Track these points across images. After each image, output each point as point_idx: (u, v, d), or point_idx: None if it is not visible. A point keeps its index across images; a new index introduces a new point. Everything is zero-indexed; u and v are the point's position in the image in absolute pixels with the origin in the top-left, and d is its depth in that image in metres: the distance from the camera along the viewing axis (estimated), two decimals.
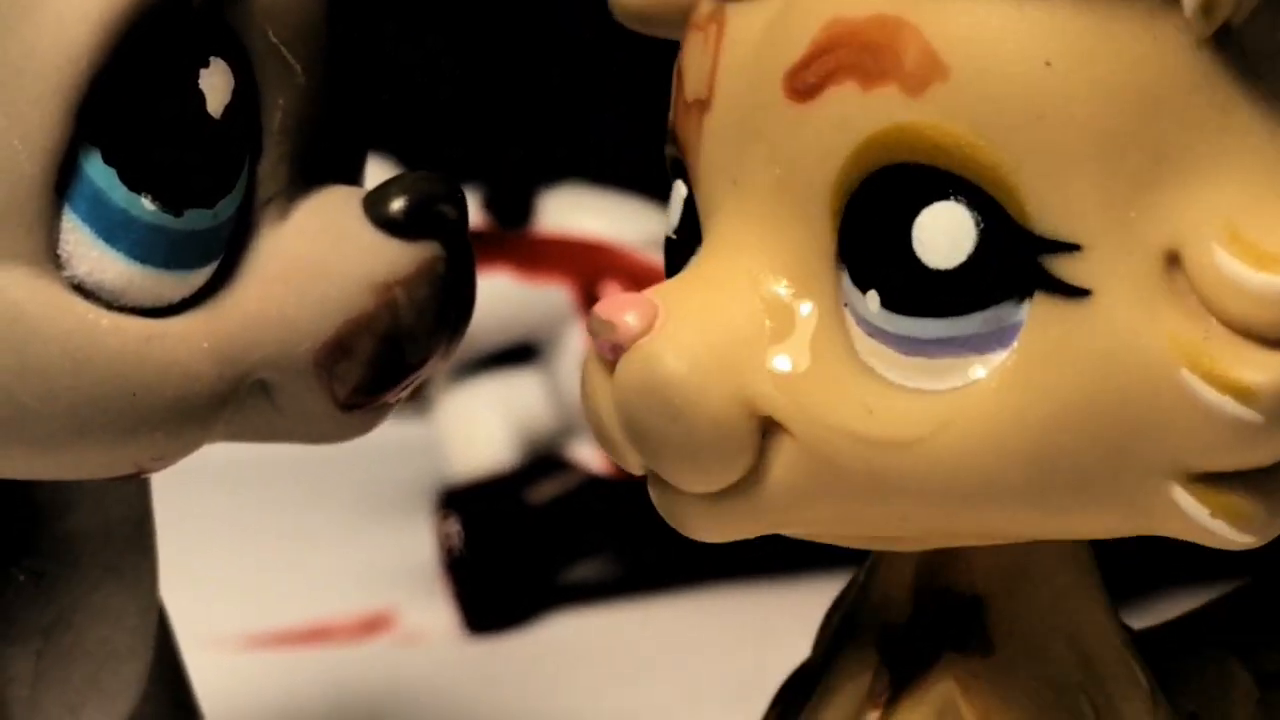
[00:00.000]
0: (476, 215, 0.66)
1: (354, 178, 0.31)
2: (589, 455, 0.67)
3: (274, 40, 0.28)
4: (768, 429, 0.25)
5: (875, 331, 0.25)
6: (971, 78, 0.24)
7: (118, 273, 0.27)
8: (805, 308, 0.25)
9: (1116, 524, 0.25)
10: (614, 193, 0.70)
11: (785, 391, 0.25)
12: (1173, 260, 0.24)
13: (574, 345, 0.67)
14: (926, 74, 0.24)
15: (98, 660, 0.31)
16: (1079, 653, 0.28)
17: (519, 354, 0.69)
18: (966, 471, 0.25)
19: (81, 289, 0.27)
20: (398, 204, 0.29)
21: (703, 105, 0.27)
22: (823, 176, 0.25)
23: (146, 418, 0.27)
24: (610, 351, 0.26)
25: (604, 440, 0.27)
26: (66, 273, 0.27)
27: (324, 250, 0.29)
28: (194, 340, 0.28)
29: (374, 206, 0.29)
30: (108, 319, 0.27)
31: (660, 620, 0.65)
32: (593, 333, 0.26)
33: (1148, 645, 0.30)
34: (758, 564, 0.69)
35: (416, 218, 0.29)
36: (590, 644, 0.63)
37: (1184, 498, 0.24)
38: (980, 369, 0.25)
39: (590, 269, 0.67)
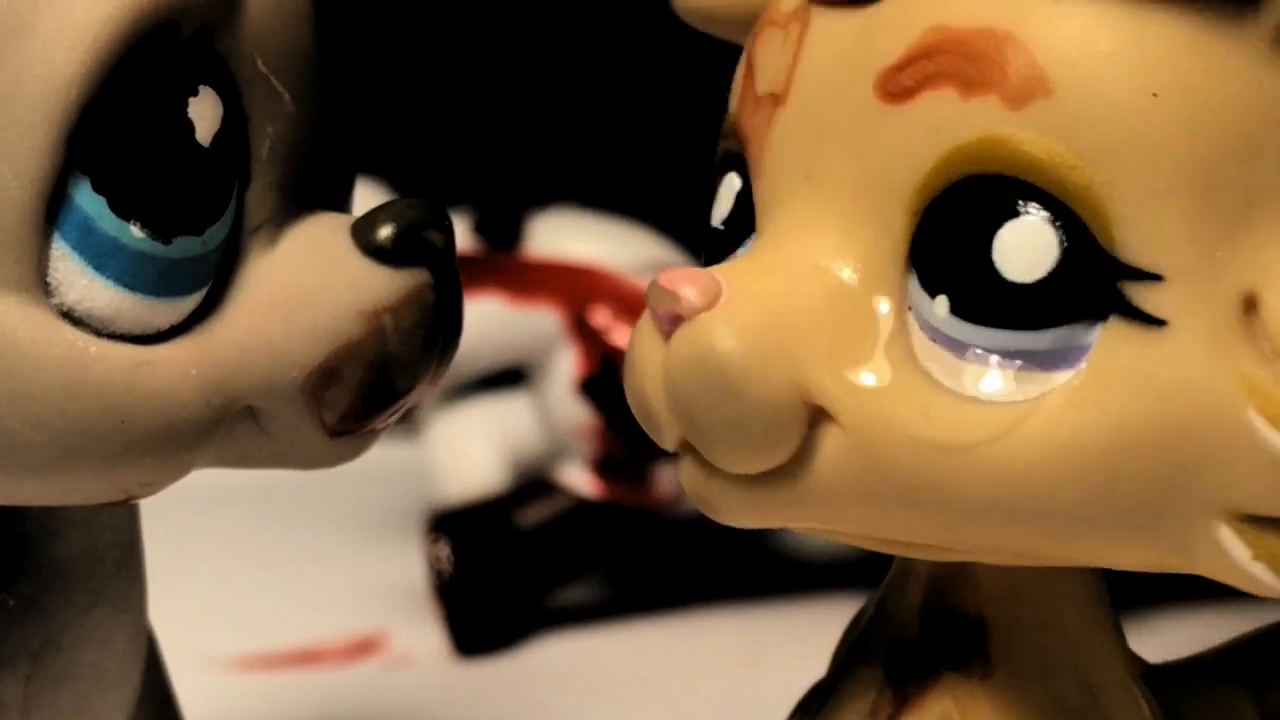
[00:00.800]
0: (466, 239, 0.66)
1: (342, 205, 0.31)
2: (578, 478, 0.67)
3: (262, 69, 0.29)
4: (816, 418, 0.25)
5: (939, 336, 0.25)
6: (1076, 98, 0.24)
7: (107, 300, 0.27)
8: (868, 305, 0.26)
9: (1153, 557, 0.25)
10: (604, 217, 0.70)
11: (840, 384, 0.25)
12: (1251, 303, 0.24)
13: (563, 369, 0.67)
14: (1030, 89, 0.24)
15: (87, 685, 0.31)
16: (1081, 679, 0.29)
17: (509, 377, 0.69)
18: (1016, 484, 0.25)
19: (70, 316, 0.27)
20: (385, 231, 0.29)
21: (776, 99, 0.27)
22: (905, 178, 0.25)
23: (135, 444, 0.27)
24: (668, 322, 0.26)
25: (643, 411, 0.27)
26: (55, 300, 0.27)
27: (312, 278, 0.29)
28: (182, 367, 0.28)
29: (362, 234, 0.29)
30: (97, 346, 0.27)
31: (649, 643, 0.65)
32: (653, 301, 0.26)
33: (1160, 679, 0.30)
34: (747, 587, 0.69)
35: (404, 245, 0.29)
36: (579, 667, 0.63)
37: (1229, 537, 0.25)
38: (1044, 385, 0.25)
39: (580, 293, 0.67)
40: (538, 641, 0.65)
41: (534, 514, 0.67)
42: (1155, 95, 0.24)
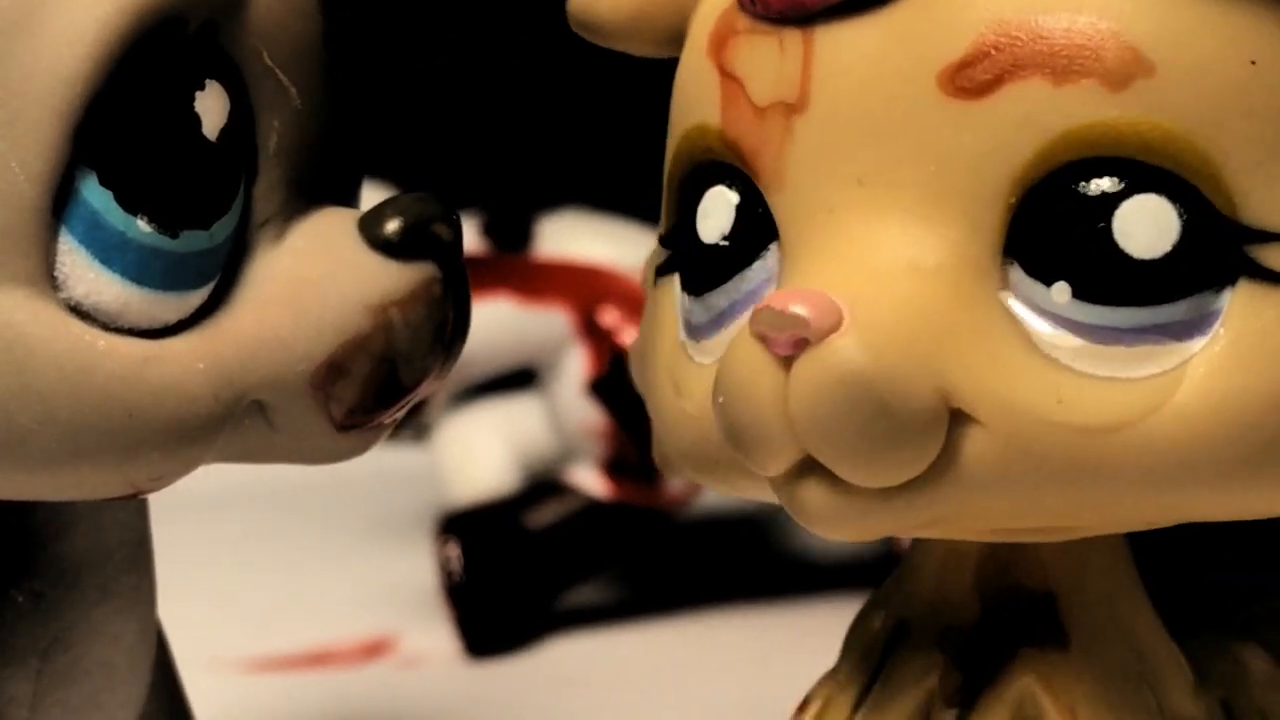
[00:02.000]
0: (476, 241, 0.66)
1: (350, 200, 0.31)
2: (588, 479, 0.67)
3: (269, 63, 0.29)
4: (955, 419, 0.25)
5: (1063, 322, 0.25)
6: (1178, 74, 0.25)
7: (114, 294, 0.27)
8: (979, 301, 0.26)
9: None
10: (613, 218, 0.70)
11: (978, 383, 0.25)
12: None
13: (573, 369, 0.67)
14: (1130, 70, 0.25)
15: (96, 681, 0.31)
16: (1135, 646, 0.29)
17: (518, 379, 0.69)
18: (1177, 456, 0.25)
19: (78, 310, 0.27)
20: (393, 225, 0.29)
21: (791, 108, 0.27)
22: (997, 171, 0.25)
23: (143, 438, 0.27)
24: (790, 347, 0.25)
25: (748, 437, 0.26)
26: (63, 294, 0.27)
27: (320, 272, 0.29)
28: (190, 361, 0.28)
29: (369, 228, 0.29)
30: (104, 340, 0.27)
31: (660, 644, 0.65)
32: (769, 327, 0.26)
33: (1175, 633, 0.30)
34: (757, 587, 0.69)
35: (411, 239, 0.29)
36: (590, 668, 0.63)
37: None
38: (1181, 355, 0.25)
39: (589, 294, 0.67)
40: (548, 642, 0.65)
41: (544, 515, 0.67)
42: (1254, 62, 0.25)
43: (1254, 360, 0.25)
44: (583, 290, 0.67)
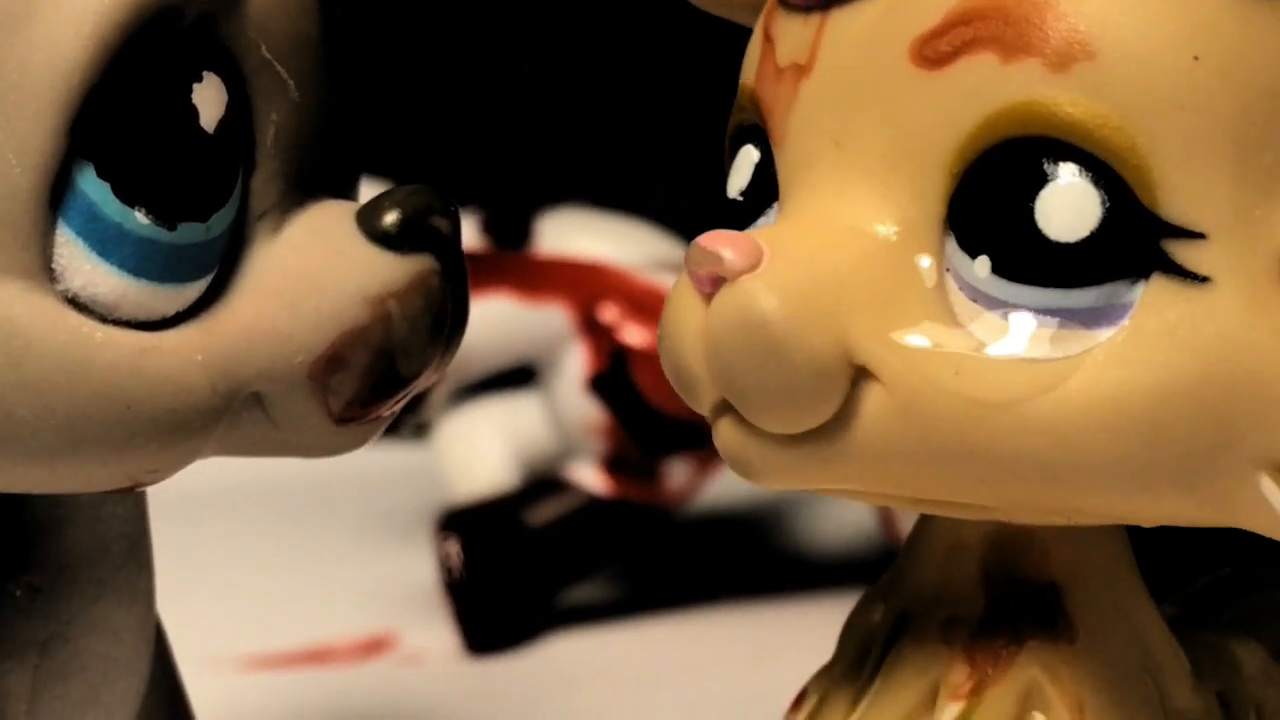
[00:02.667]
0: (475, 238, 0.66)
1: (348, 193, 0.31)
2: (588, 476, 0.67)
3: (267, 55, 0.29)
4: (859, 377, 0.26)
5: (980, 296, 0.26)
6: (1118, 61, 0.25)
7: (111, 286, 0.27)
8: (907, 265, 0.26)
9: (1193, 511, 0.26)
10: (612, 214, 0.70)
11: (883, 343, 0.26)
12: None
13: (573, 366, 0.67)
14: (1073, 52, 0.25)
15: (95, 675, 0.31)
16: (1138, 639, 0.29)
17: (518, 376, 0.69)
18: (1060, 440, 0.25)
19: (75, 302, 0.27)
20: (391, 217, 0.29)
21: (800, 70, 0.27)
22: (944, 142, 0.26)
23: (141, 431, 0.27)
24: (709, 284, 0.26)
25: (679, 372, 0.27)
26: (60, 286, 0.27)
27: (318, 264, 0.29)
28: (188, 354, 0.28)
29: (367, 220, 0.29)
30: (102, 332, 0.27)
31: (660, 641, 0.65)
32: (693, 262, 0.26)
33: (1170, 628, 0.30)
34: (758, 585, 0.69)
35: (410, 231, 0.29)
36: (590, 665, 0.63)
37: (1271, 489, 0.25)
38: (1087, 343, 0.25)
39: (589, 290, 0.67)
40: (548, 639, 0.65)
41: (544, 512, 0.67)
42: (1196, 58, 0.25)
43: (1151, 356, 0.25)
44: (582, 287, 0.67)
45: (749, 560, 0.73)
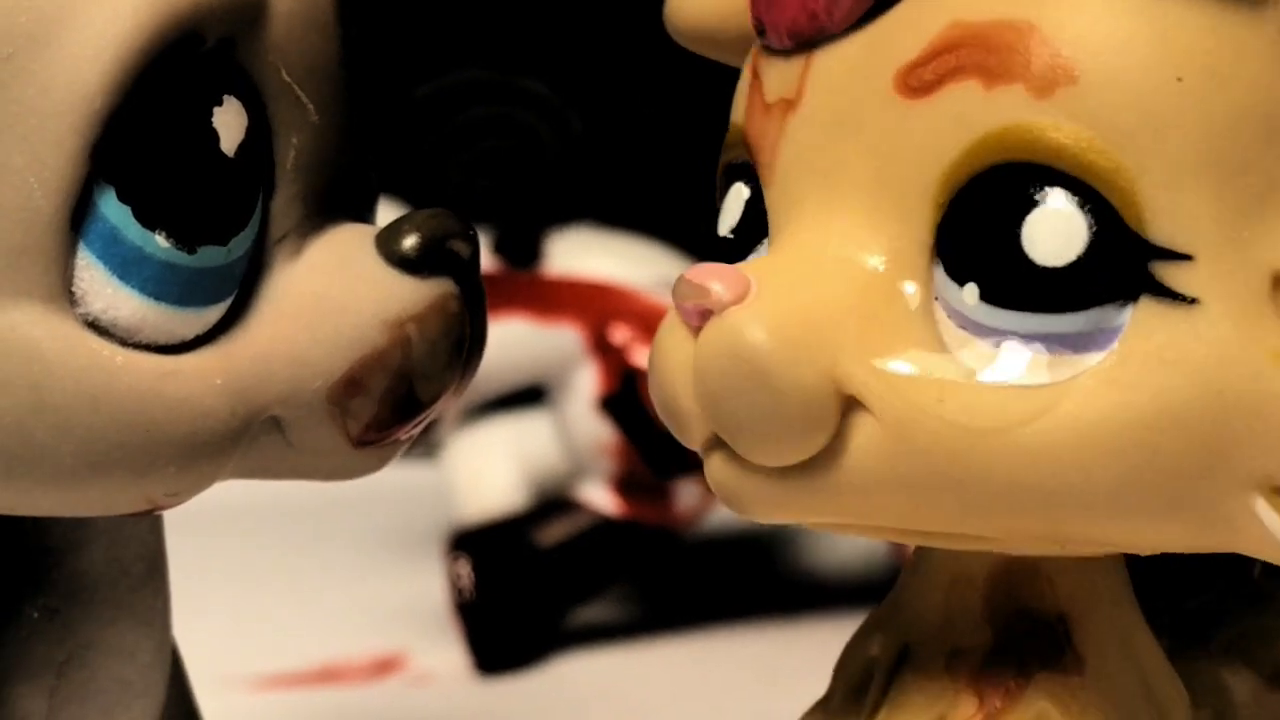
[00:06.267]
0: (486, 258, 0.66)
1: (366, 216, 0.31)
2: (599, 497, 0.67)
3: (287, 79, 0.29)
4: (849, 408, 0.26)
5: (968, 324, 0.26)
6: (1101, 84, 0.25)
7: (132, 310, 0.27)
8: (895, 295, 0.26)
9: (1190, 536, 0.26)
10: (623, 235, 0.71)
11: (872, 373, 0.26)
12: (1278, 281, 0.25)
13: (584, 387, 0.67)
14: (1055, 77, 0.25)
15: (112, 697, 0.31)
16: (1141, 669, 0.29)
17: (529, 396, 0.69)
18: (1052, 466, 0.25)
19: (96, 326, 0.27)
20: (410, 241, 0.29)
21: (788, 105, 0.27)
22: (930, 169, 0.26)
23: (160, 454, 0.27)
24: (696, 317, 0.26)
25: (669, 407, 0.27)
26: (81, 310, 0.27)
27: (337, 287, 0.29)
28: (208, 377, 0.28)
29: (387, 244, 0.30)
30: (122, 356, 0.27)
31: (669, 662, 0.65)
32: (680, 297, 0.26)
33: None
34: (767, 605, 0.69)
35: (429, 255, 0.29)
36: (600, 685, 0.63)
37: (1266, 511, 0.25)
38: (1076, 367, 0.25)
39: (600, 311, 0.67)
40: (558, 660, 0.65)
41: (554, 532, 0.67)
42: (1180, 80, 0.25)
43: (1142, 379, 0.25)
44: (594, 308, 0.67)
45: (758, 581, 0.73)
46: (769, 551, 0.75)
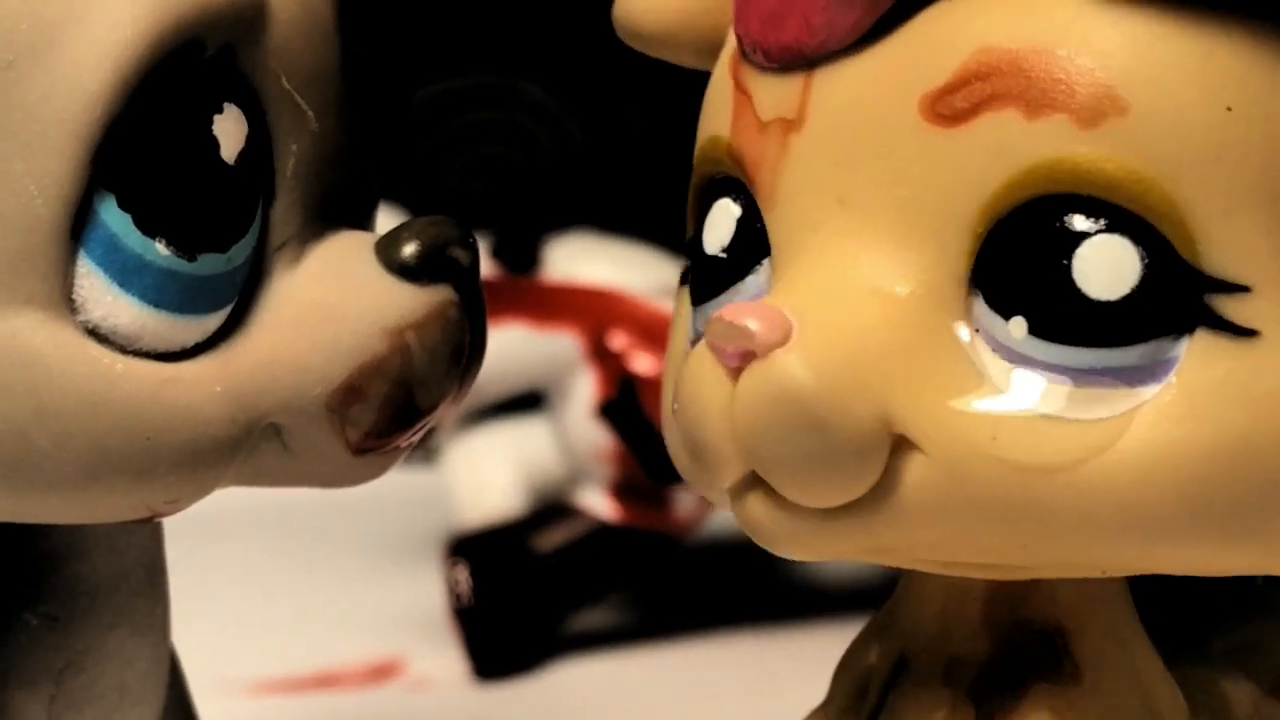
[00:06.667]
0: (485, 264, 0.66)
1: (366, 223, 0.31)
2: (597, 502, 0.67)
3: (287, 86, 0.29)
4: (898, 446, 0.25)
5: (1016, 357, 0.25)
6: (1151, 115, 0.24)
7: (132, 317, 0.27)
8: (936, 329, 0.26)
9: (1253, 561, 0.26)
10: (621, 240, 0.70)
11: (922, 411, 0.25)
12: None
13: (582, 393, 0.67)
14: (1103, 108, 0.25)
15: (111, 704, 0.31)
16: (1140, 681, 0.29)
17: (527, 402, 0.69)
18: (1115, 502, 0.25)
19: (96, 333, 0.27)
20: (410, 249, 0.29)
21: (789, 125, 0.27)
22: (967, 200, 0.25)
23: (160, 461, 0.27)
24: (738, 360, 0.25)
25: (700, 449, 0.27)
26: (81, 317, 0.27)
27: (337, 295, 0.29)
28: (207, 384, 0.28)
29: (386, 251, 0.30)
30: (122, 363, 0.27)
31: (668, 667, 0.65)
32: (718, 337, 0.26)
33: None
34: (766, 612, 0.69)
35: (429, 262, 0.29)
36: (598, 691, 0.63)
37: None
38: (1132, 401, 0.25)
39: (599, 317, 0.67)
40: (556, 665, 0.65)
41: (553, 538, 0.67)
42: (1229, 109, 0.24)
43: (1202, 412, 0.25)
44: (592, 313, 0.67)
45: (758, 587, 0.73)
46: (768, 558, 0.74)
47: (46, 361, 0.27)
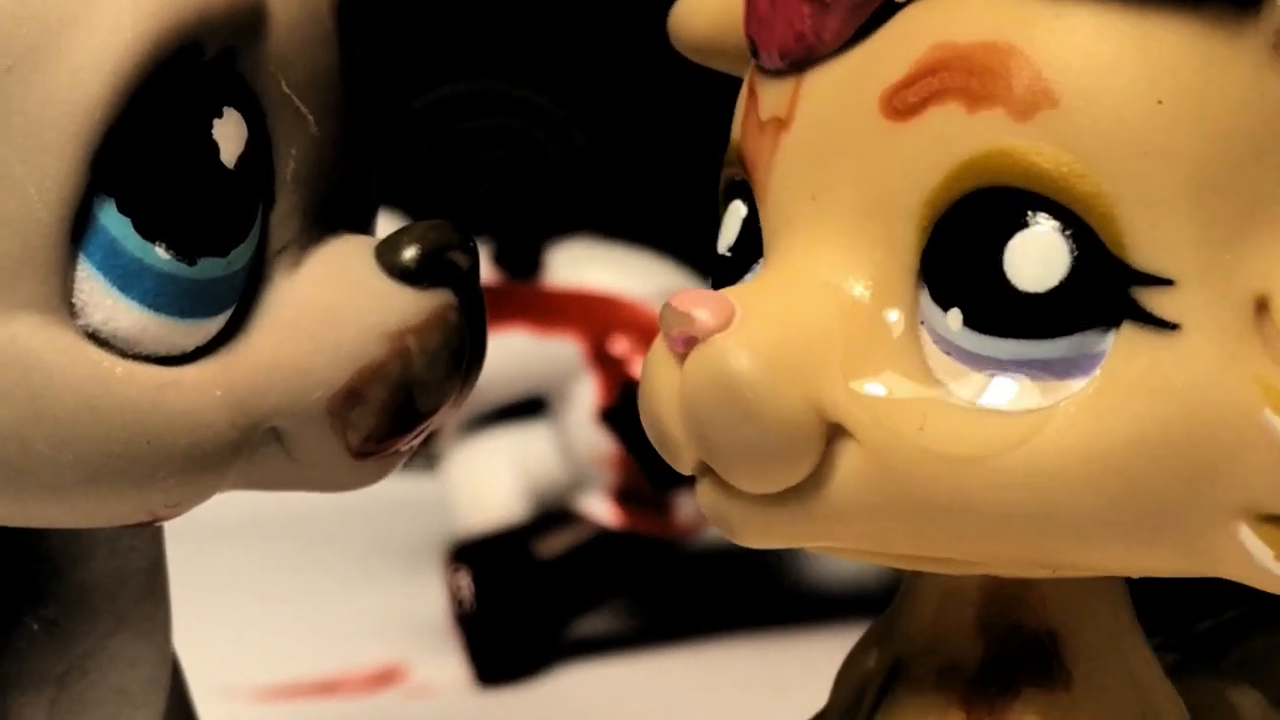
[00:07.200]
0: (486, 269, 0.67)
1: (366, 227, 0.31)
2: (599, 508, 0.67)
3: (286, 90, 0.29)
4: (834, 435, 0.26)
5: (952, 349, 0.25)
6: (1082, 108, 0.25)
7: (132, 321, 0.27)
8: (880, 320, 0.26)
9: (1174, 562, 0.26)
10: (623, 246, 0.71)
11: (856, 400, 0.25)
12: (1262, 306, 0.25)
13: (584, 398, 0.67)
14: (1036, 100, 0.25)
15: (112, 708, 0.31)
16: (1135, 687, 0.29)
17: (529, 407, 0.69)
18: (1036, 493, 0.25)
19: (96, 337, 0.27)
20: (410, 253, 0.30)
21: (780, 124, 0.27)
22: (914, 193, 0.25)
23: (160, 465, 0.27)
24: (682, 345, 0.26)
25: (659, 434, 0.27)
26: (81, 321, 0.27)
27: (337, 299, 0.29)
28: (208, 388, 0.28)
29: (386, 255, 0.30)
30: (122, 367, 0.27)
31: (670, 673, 0.65)
32: (665, 324, 0.26)
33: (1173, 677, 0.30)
34: (768, 617, 0.69)
35: (429, 266, 0.30)
36: (600, 696, 0.63)
37: (1250, 538, 0.25)
38: (1059, 393, 0.25)
39: (600, 322, 0.67)
40: (558, 671, 0.65)
41: (554, 544, 0.67)
42: (1160, 102, 0.25)
43: (1123, 405, 0.25)
44: (594, 319, 0.67)
45: (759, 592, 0.73)
46: (769, 563, 0.75)
47: (46, 365, 0.27)
